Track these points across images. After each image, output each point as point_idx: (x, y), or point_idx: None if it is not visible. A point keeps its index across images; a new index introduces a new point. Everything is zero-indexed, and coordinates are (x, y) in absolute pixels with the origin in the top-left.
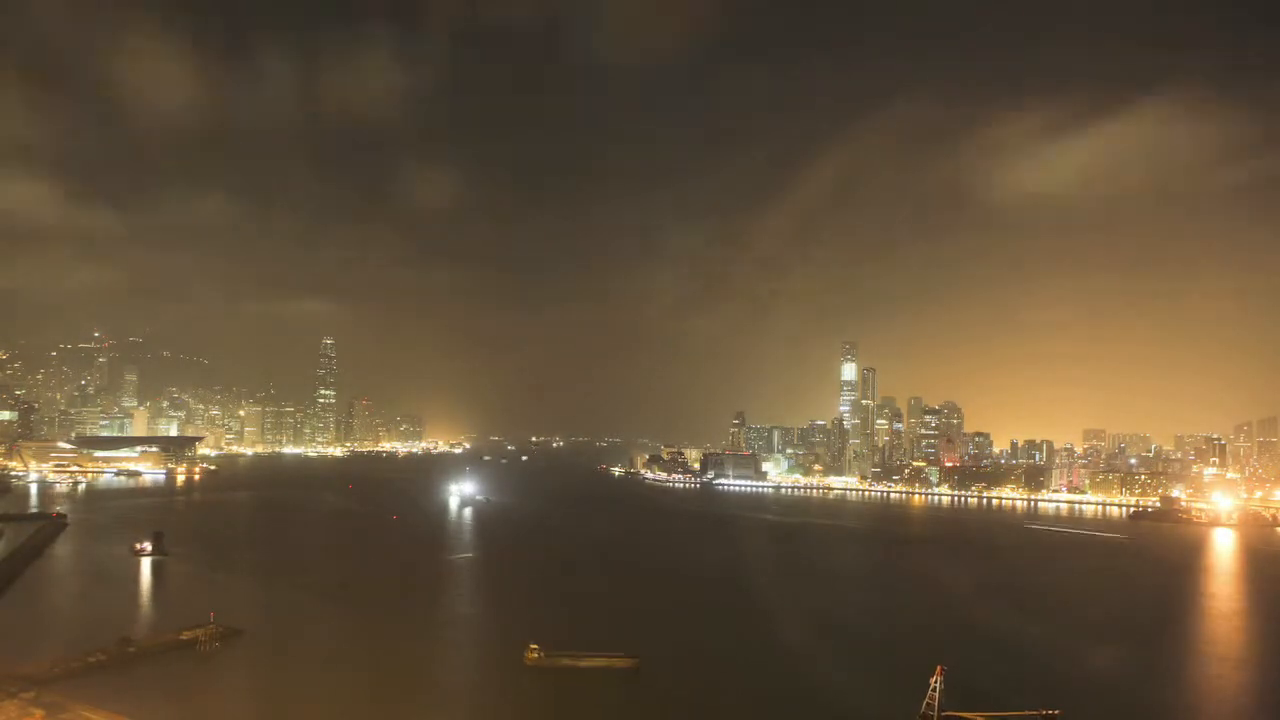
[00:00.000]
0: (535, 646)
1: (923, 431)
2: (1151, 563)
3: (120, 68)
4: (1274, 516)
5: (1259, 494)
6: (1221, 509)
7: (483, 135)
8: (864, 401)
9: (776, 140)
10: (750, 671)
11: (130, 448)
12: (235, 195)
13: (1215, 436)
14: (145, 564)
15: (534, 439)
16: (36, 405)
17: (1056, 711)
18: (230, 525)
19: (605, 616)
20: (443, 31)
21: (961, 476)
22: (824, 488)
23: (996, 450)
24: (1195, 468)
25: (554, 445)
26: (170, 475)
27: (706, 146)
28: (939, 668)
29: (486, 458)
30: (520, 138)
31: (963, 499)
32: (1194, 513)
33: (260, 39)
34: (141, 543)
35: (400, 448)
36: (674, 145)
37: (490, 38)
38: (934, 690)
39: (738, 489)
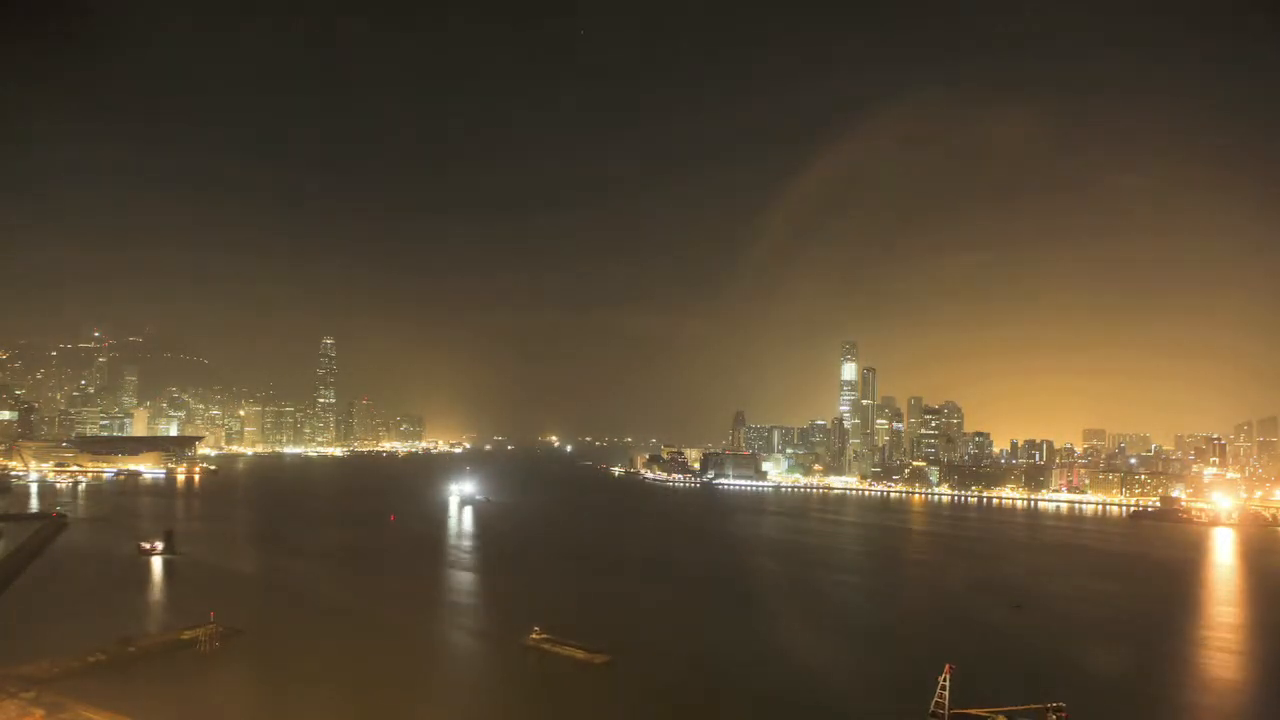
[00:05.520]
0: (538, 629)
1: (923, 431)
2: (1151, 561)
3: None
4: (1274, 516)
5: (1259, 494)
6: (1221, 509)
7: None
8: (864, 401)
9: (775, 139)
10: (757, 670)
11: (130, 448)
12: None
13: (1215, 436)
14: (156, 563)
15: (541, 438)
16: (36, 405)
17: (1060, 705)
18: (230, 525)
19: (592, 611)
20: None
21: (961, 476)
22: (824, 487)
23: (996, 450)
24: (1195, 467)
25: (554, 445)
26: (170, 475)
27: (706, 147)
28: (947, 666)
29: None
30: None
31: (962, 499)
32: (1194, 512)
33: None
34: (152, 542)
35: (400, 448)
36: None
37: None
38: (942, 688)
39: (738, 489)
